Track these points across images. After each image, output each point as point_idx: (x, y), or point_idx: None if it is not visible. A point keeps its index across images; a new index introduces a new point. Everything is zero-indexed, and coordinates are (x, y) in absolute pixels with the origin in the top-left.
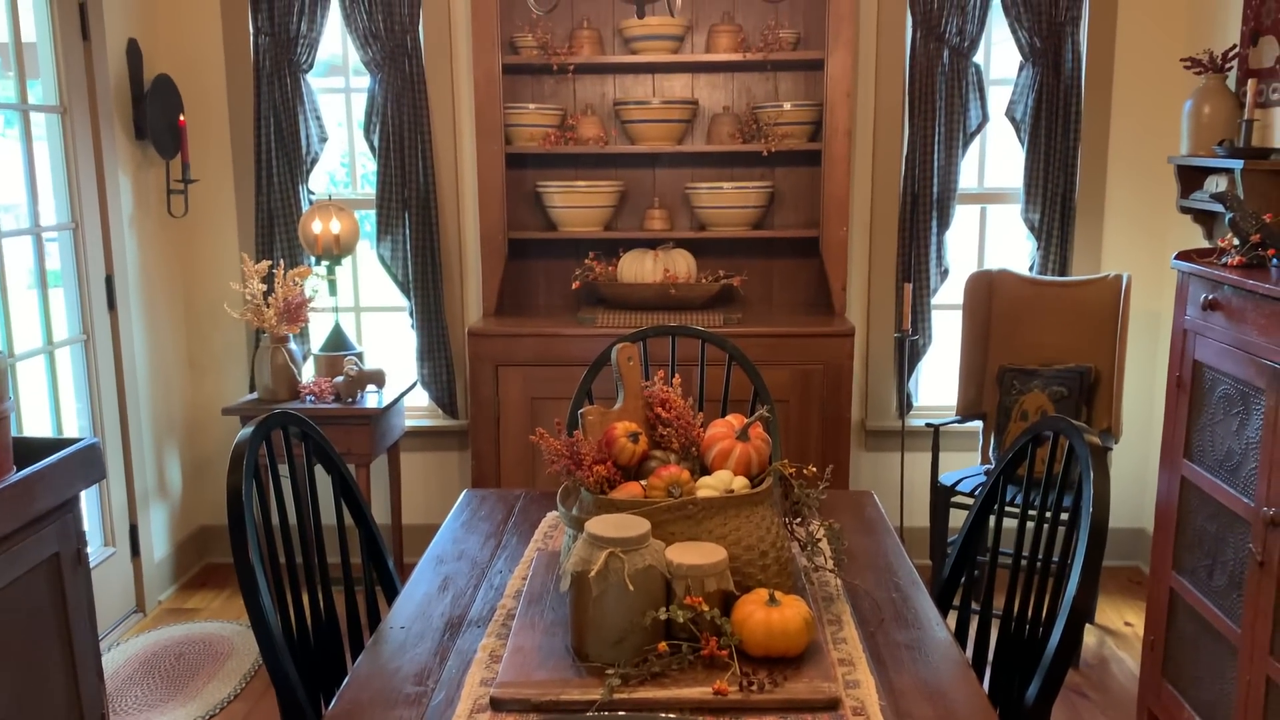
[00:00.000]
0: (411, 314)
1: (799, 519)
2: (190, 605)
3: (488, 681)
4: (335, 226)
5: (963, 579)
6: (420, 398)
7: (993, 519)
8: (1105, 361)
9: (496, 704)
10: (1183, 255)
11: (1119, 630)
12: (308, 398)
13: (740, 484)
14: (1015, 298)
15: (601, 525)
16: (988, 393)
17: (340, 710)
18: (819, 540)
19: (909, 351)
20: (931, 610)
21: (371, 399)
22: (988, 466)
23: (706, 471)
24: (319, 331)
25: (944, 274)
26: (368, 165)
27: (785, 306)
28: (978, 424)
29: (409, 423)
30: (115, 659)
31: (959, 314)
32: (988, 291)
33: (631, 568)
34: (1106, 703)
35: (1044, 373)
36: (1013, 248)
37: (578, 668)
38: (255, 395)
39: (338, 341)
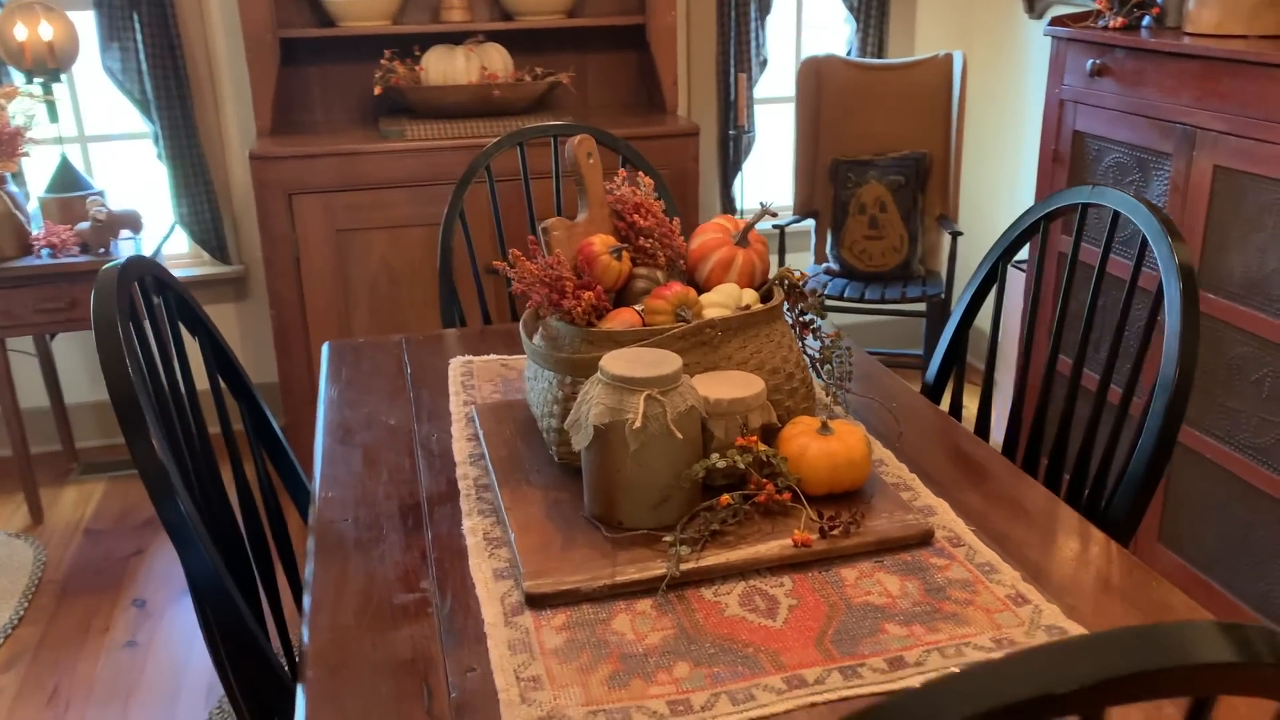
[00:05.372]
0: (157, 140)
1: (814, 331)
2: None
3: (502, 573)
4: (46, 32)
5: (951, 378)
6: (180, 243)
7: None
8: (939, 146)
9: (534, 600)
10: (1056, 21)
11: None
12: (43, 251)
13: (751, 297)
14: (844, 85)
15: (619, 364)
16: (820, 188)
17: (325, 643)
18: (835, 353)
19: (740, 149)
20: (941, 415)
21: (127, 247)
22: (826, 265)
23: (699, 288)
24: (38, 170)
25: (763, 64)
26: None
27: (605, 106)
28: (812, 222)
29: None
30: None
31: (778, 107)
32: (817, 80)
33: (673, 411)
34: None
35: (879, 162)
36: (832, 34)
37: (615, 541)
38: None
39: (69, 180)
